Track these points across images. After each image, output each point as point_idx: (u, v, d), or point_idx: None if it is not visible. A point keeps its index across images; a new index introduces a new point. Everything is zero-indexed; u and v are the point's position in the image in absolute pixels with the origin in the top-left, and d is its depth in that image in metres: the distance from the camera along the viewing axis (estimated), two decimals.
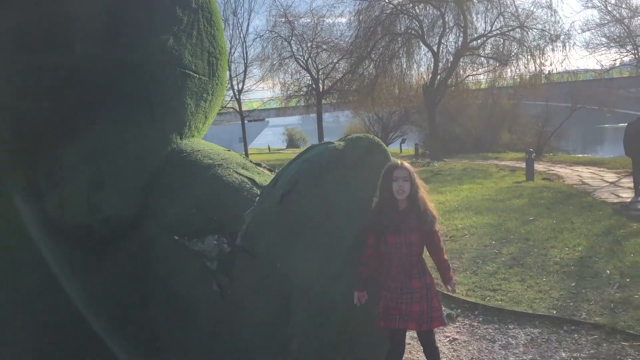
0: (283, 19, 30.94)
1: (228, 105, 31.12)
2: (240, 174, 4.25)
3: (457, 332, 4.86)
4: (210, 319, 3.82)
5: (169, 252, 4.14)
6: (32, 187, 4.11)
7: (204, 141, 4.90)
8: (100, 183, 4.02)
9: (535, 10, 26.23)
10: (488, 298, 5.52)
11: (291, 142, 36.79)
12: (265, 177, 4.29)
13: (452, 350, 4.52)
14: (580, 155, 27.59)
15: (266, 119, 47.40)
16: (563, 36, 25.59)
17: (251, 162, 4.60)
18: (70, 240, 4.08)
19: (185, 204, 4.10)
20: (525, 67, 26.14)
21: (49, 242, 4.09)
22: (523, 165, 17.55)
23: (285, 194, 3.49)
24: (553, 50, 25.77)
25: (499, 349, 4.47)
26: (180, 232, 4.11)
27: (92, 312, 4.09)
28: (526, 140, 28.85)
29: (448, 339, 4.71)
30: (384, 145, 3.74)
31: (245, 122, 34.20)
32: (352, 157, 3.55)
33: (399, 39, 26.99)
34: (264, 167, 4.66)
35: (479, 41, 26.58)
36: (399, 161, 3.46)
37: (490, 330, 4.84)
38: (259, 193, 3.98)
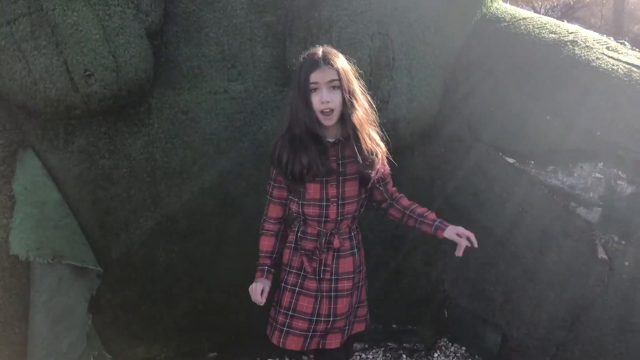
0: None
1: None
2: (611, 57, 2.55)
3: None
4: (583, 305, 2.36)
5: (493, 176, 2.63)
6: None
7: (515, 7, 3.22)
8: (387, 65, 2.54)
9: None
10: None
11: None
12: None
13: None
14: None
15: None
16: None
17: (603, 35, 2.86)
18: None
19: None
20: None
21: None
22: None
23: None
24: None
25: None
26: (512, 150, 2.55)
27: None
28: None
29: None
30: None
31: None
32: None
33: None
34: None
35: None
36: (319, 49, 1.85)
37: None
38: None
